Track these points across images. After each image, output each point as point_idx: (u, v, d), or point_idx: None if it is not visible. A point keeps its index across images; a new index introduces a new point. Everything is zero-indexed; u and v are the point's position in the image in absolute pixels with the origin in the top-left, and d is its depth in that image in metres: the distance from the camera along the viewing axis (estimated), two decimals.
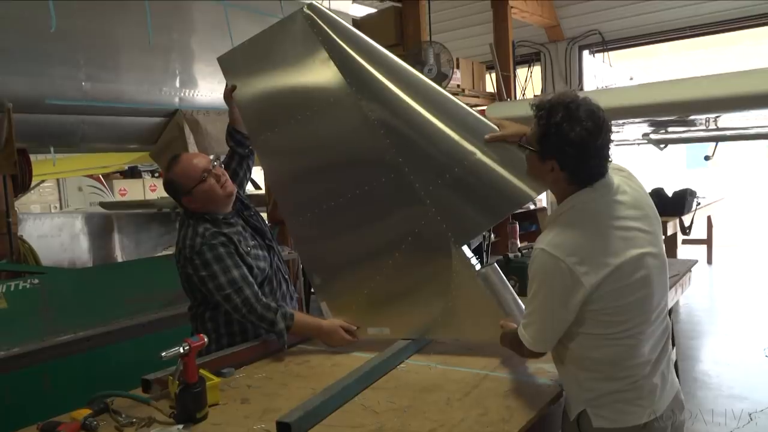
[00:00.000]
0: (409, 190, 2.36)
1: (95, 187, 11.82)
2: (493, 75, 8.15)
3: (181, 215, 2.53)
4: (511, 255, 3.18)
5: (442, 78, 6.62)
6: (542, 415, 1.81)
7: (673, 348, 1.94)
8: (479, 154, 2.29)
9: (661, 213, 1.85)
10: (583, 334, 1.68)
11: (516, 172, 2.21)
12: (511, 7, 8.05)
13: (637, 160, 8.45)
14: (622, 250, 1.64)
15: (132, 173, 12.98)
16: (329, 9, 2.62)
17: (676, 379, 1.85)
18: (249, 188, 3.18)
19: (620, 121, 6.76)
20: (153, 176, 13.17)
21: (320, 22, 2.54)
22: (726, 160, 15.97)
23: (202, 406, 1.83)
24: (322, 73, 2.52)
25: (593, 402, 1.70)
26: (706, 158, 9.18)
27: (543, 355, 1.81)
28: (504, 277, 2.29)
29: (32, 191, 9.33)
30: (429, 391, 1.97)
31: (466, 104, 2.47)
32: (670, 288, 2.24)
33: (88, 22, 3.60)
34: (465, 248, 2.34)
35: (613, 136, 1.78)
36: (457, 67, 7.16)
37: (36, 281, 3.17)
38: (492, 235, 6.73)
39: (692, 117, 7.16)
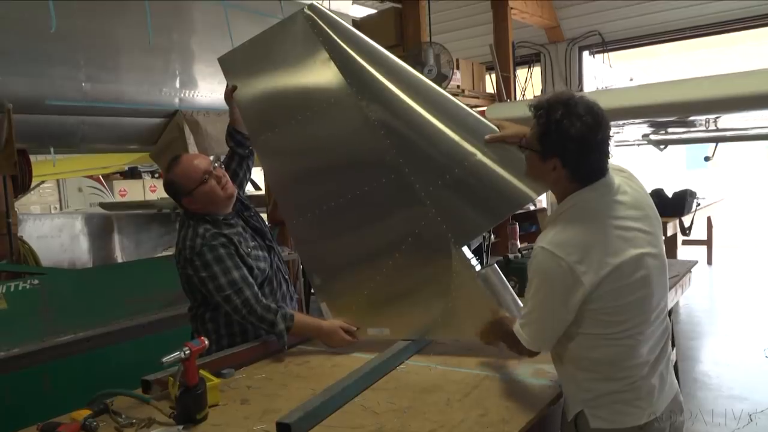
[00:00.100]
0: (410, 190, 2.36)
1: (95, 187, 11.83)
2: (493, 76, 8.16)
3: (181, 216, 2.53)
4: (511, 256, 3.18)
5: (442, 79, 6.63)
6: (542, 416, 1.81)
7: (673, 349, 1.94)
8: (479, 155, 2.29)
9: (661, 214, 1.85)
10: (582, 334, 1.68)
11: (516, 172, 2.21)
12: (511, 8, 8.05)
13: (637, 160, 8.46)
14: (622, 250, 1.64)
15: (132, 174, 12.98)
16: (329, 10, 2.63)
17: (676, 381, 1.85)
18: (249, 189, 3.18)
19: (620, 122, 6.76)
20: (153, 177, 13.17)
21: (321, 22, 2.55)
22: (726, 161, 15.97)
23: (203, 407, 1.83)
24: (322, 74, 2.53)
25: (591, 402, 1.70)
26: (706, 159, 9.19)
27: (538, 353, 1.81)
28: (504, 278, 2.29)
29: (32, 192, 9.32)
30: (429, 392, 1.97)
31: (466, 105, 2.47)
32: (670, 289, 2.24)
33: (88, 22, 3.61)
34: (465, 249, 2.33)
35: (613, 137, 1.79)
36: (457, 68, 7.16)
37: (36, 282, 3.17)
38: (492, 236, 6.72)
39: (692, 118, 7.16)
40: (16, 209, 3.59)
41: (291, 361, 2.35)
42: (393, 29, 7.04)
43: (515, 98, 8.30)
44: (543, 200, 8.08)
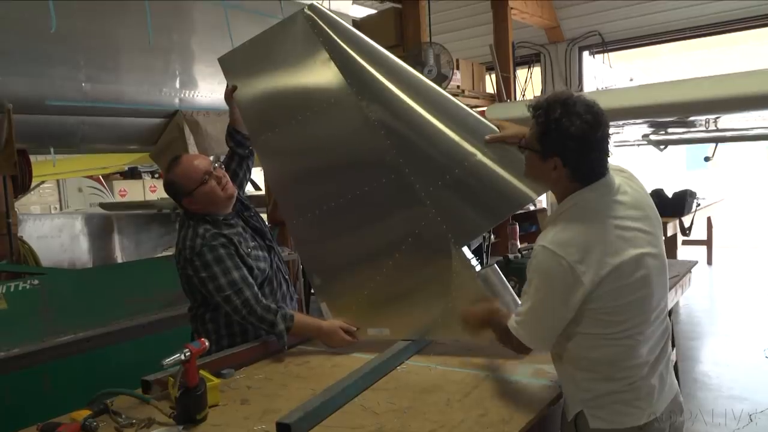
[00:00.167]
0: (410, 191, 2.36)
1: (95, 188, 11.83)
2: (493, 76, 8.16)
3: (181, 216, 2.53)
4: (511, 256, 3.18)
5: (442, 79, 6.63)
6: (542, 416, 1.81)
7: (673, 349, 1.94)
8: (479, 156, 2.30)
9: (661, 214, 1.85)
10: (581, 334, 1.68)
11: (516, 173, 2.21)
12: (511, 8, 8.05)
13: (637, 161, 8.45)
14: (622, 250, 1.64)
15: (132, 174, 12.98)
16: (329, 10, 2.63)
17: (676, 381, 1.85)
18: (249, 189, 3.18)
19: (620, 122, 6.76)
20: (153, 177, 13.17)
21: (321, 22, 2.55)
22: (726, 161, 15.97)
23: (203, 407, 1.83)
24: (322, 74, 2.53)
25: (590, 403, 1.70)
26: (706, 159, 9.19)
27: (531, 350, 1.81)
28: (504, 278, 2.29)
29: (32, 192, 9.33)
30: (429, 392, 1.97)
31: (466, 105, 2.47)
32: (670, 289, 2.25)
33: (88, 22, 3.61)
34: (465, 249, 2.34)
35: (613, 137, 1.79)
36: (457, 68, 7.16)
37: (36, 282, 3.17)
38: (492, 236, 6.73)
39: (692, 118, 7.16)
40: (16, 209, 3.59)
41: (291, 362, 2.35)
42: (393, 29, 7.04)
43: (515, 98, 8.30)
44: (543, 200, 8.08)
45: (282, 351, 2.39)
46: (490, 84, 8.57)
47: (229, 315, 2.39)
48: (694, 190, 7.57)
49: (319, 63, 2.53)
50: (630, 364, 1.67)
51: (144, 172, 13.02)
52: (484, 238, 5.73)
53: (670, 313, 1.91)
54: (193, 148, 3.99)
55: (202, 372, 1.90)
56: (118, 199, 12.14)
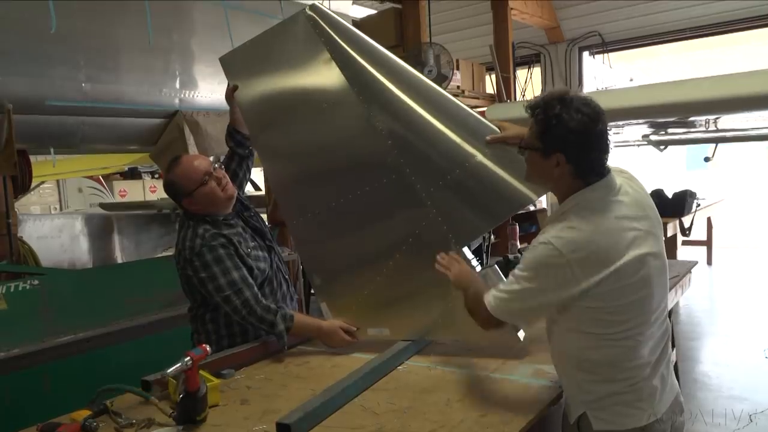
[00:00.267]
0: (410, 191, 2.36)
1: (95, 188, 11.84)
2: (493, 76, 8.16)
3: (181, 216, 2.53)
4: (511, 256, 3.18)
5: (442, 79, 6.63)
6: (542, 416, 1.81)
7: (673, 349, 1.94)
8: (480, 156, 2.30)
9: (661, 214, 1.85)
10: (582, 333, 1.68)
11: (517, 174, 2.21)
12: (511, 8, 8.06)
13: (637, 161, 8.46)
14: (623, 250, 1.64)
15: (132, 174, 12.98)
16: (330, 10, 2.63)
17: (676, 382, 1.85)
18: (249, 189, 3.18)
19: (620, 123, 6.77)
20: (153, 177, 13.17)
21: (322, 23, 2.55)
22: (726, 161, 15.96)
23: (203, 409, 1.83)
24: (323, 75, 2.53)
25: (593, 404, 1.70)
26: (706, 160, 9.20)
27: (495, 326, 1.81)
28: (504, 278, 2.29)
29: (32, 192, 9.33)
30: (429, 392, 1.97)
31: (466, 105, 2.47)
32: (670, 289, 2.24)
33: (88, 23, 3.61)
34: (465, 249, 2.34)
35: (613, 138, 1.80)
36: (457, 69, 7.16)
37: (36, 282, 3.17)
38: (492, 237, 6.73)
39: (692, 118, 7.16)
40: (16, 210, 3.59)
41: (291, 362, 2.35)
42: (393, 30, 7.04)
43: (515, 99, 8.30)
44: (543, 201, 8.08)
45: (282, 351, 2.39)
46: (490, 84, 8.57)
47: (229, 315, 2.39)
48: (694, 190, 7.57)
49: (321, 63, 2.53)
50: (631, 365, 1.67)
51: (144, 172, 13.03)
52: (484, 238, 5.72)
53: (670, 313, 1.91)
54: (193, 149, 3.98)
55: (201, 372, 1.90)
56: (118, 199, 12.15)
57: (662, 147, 8.77)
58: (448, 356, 2.29)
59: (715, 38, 8.86)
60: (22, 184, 3.86)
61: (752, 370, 4.91)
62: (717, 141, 8.25)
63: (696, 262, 3.92)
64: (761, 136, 7.76)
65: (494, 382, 2.03)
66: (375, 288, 2.45)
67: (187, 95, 4.13)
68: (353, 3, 7.33)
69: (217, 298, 2.34)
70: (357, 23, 6.52)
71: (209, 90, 4.17)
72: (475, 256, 2.39)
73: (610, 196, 1.70)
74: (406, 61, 2.60)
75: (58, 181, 11.17)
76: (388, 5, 7.35)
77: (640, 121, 7.05)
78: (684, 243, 7.77)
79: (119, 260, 7.02)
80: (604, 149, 1.69)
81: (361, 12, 8.65)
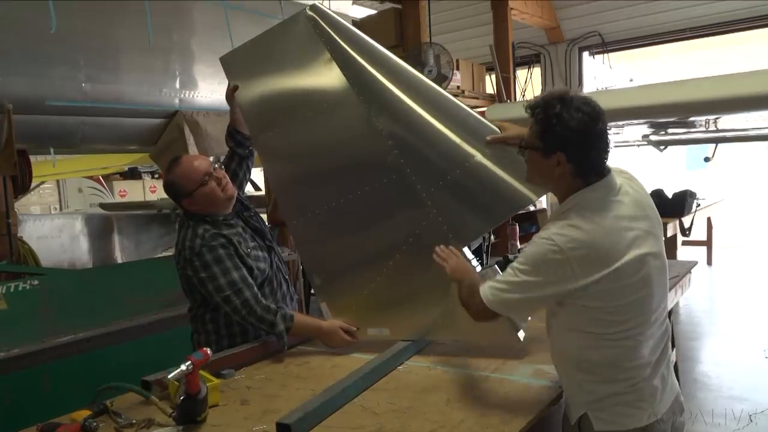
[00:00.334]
0: (411, 191, 2.36)
1: (95, 188, 11.83)
2: (493, 76, 8.16)
3: (181, 216, 2.53)
4: (511, 256, 3.17)
5: (442, 79, 6.63)
6: (542, 416, 1.81)
7: (673, 349, 1.94)
8: (480, 157, 2.30)
9: (661, 214, 1.85)
10: (582, 333, 1.68)
11: (517, 174, 2.21)
12: (511, 8, 8.05)
13: (637, 161, 8.46)
14: (623, 250, 1.64)
15: (132, 174, 12.97)
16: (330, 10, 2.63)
17: (676, 382, 1.85)
18: (249, 189, 3.18)
19: (620, 123, 6.77)
20: (153, 177, 13.17)
21: (323, 23, 2.55)
22: (726, 161, 15.95)
23: (203, 410, 1.83)
24: (324, 75, 2.53)
25: (593, 405, 1.70)
26: (706, 160, 9.21)
27: (488, 318, 1.80)
28: None
29: (32, 192, 9.33)
30: (429, 392, 1.97)
31: (466, 105, 2.47)
32: (670, 289, 2.24)
33: (88, 23, 3.60)
34: (465, 249, 2.34)
35: (613, 138, 1.80)
36: (457, 69, 7.16)
37: (36, 282, 3.17)
38: (492, 237, 6.73)
39: (692, 118, 7.16)
40: (16, 210, 3.59)
41: (291, 362, 2.35)
42: (393, 30, 7.04)
43: (515, 99, 8.30)
44: (543, 201, 8.07)
45: (282, 351, 2.39)
46: (490, 84, 8.57)
47: (229, 315, 2.39)
48: (694, 190, 7.57)
49: (321, 63, 2.53)
50: (631, 365, 1.67)
51: (144, 172, 13.03)
52: (484, 238, 5.72)
53: (670, 313, 1.91)
54: (193, 149, 3.98)
55: (201, 372, 1.90)
56: (118, 199, 12.14)
57: (662, 147, 8.77)
58: (448, 356, 2.29)
59: (715, 38, 8.86)
60: (22, 184, 3.86)
61: (752, 370, 4.91)
62: (717, 141, 8.25)
63: (696, 262, 3.92)
64: (761, 136, 7.77)
65: (494, 382, 2.03)
66: (375, 288, 2.45)
67: (187, 95, 4.13)
68: (353, 3, 7.33)
69: (217, 298, 2.34)
70: (357, 23, 6.52)
71: (209, 90, 4.17)
72: (475, 256, 2.39)
73: (611, 196, 1.70)
74: (406, 61, 2.60)
75: (58, 181, 11.16)
76: (388, 5, 7.35)
77: (640, 121, 7.05)
78: (684, 243, 7.77)
79: (119, 260, 7.02)
80: (604, 148, 1.70)
81: (361, 12, 8.65)
